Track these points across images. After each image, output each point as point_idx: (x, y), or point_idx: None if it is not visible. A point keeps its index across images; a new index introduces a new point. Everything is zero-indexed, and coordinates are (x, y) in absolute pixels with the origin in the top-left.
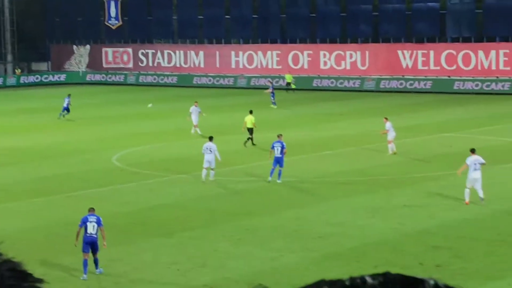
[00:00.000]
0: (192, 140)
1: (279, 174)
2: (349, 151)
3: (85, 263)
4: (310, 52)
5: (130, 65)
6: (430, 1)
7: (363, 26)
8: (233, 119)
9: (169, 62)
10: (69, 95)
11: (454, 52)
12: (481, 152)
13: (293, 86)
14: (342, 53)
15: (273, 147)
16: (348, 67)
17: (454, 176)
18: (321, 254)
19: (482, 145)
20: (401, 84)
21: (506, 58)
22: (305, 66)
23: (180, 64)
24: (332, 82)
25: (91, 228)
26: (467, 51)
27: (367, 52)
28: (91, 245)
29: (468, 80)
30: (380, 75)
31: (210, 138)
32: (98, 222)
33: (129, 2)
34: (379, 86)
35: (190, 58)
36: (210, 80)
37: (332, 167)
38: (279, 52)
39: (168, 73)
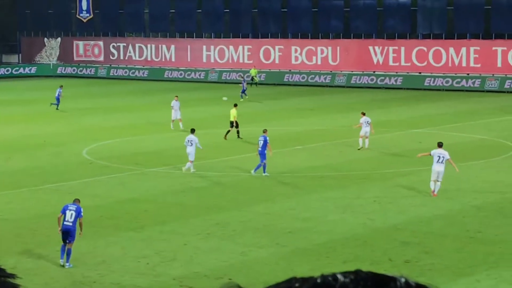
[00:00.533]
0: (163, 134)
1: (257, 167)
2: (319, 146)
3: (62, 249)
4: (282, 47)
5: (101, 58)
6: None
7: (334, 22)
8: (204, 113)
9: (140, 56)
10: (61, 86)
11: (425, 49)
12: (450, 148)
13: (255, 80)
14: (313, 48)
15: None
16: (319, 63)
17: (424, 172)
18: (291, 249)
19: (452, 142)
20: (372, 80)
21: (476, 55)
22: (277, 61)
23: (151, 57)
24: (303, 77)
25: (69, 216)
26: (438, 48)
27: (338, 48)
28: (65, 233)
29: (438, 77)
30: (351, 71)
31: (192, 131)
32: (78, 212)
33: None
34: (350, 81)
35: (162, 52)
36: (181, 74)
37: (303, 162)
38: (250, 46)
39: (139, 66)
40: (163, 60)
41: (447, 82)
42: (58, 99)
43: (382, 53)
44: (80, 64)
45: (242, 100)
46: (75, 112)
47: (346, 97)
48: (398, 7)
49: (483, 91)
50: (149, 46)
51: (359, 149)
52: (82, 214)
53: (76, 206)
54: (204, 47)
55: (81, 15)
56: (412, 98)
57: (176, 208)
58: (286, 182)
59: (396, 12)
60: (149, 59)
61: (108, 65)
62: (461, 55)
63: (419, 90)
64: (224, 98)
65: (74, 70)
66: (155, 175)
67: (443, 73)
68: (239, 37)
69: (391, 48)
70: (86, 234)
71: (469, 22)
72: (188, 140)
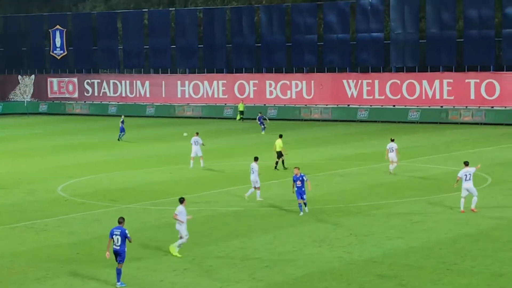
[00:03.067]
0: (137, 170)
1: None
2: None
3: (117, 273)
4: (256, 81)
5: (76, 95)
6: (374, 31)
7: (308, 56)
8: (179, 148)
9: (115, 92)
10: (122, 117)
11: (399, 82)
12: (425, 181)
13: (238, 117)
14: (287, 82)
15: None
16: (294, 97)
17: (399, 205)
18: (267, 283)
19: (427, 174)
20: (346, 113)
21: (449, 88)
22: (251, 96)
23: (126, 93)
24: (278, 111)
25: (116, 240)
26: (411, 80)
27: (312, 82)
28: (115, 255)
29: (412, 109)
30: (326, 104)
31: (255, 159)
32: (123, 236)
33: (74, 32)
34: (324, 115)
35: (136, 87)
36: (156, 110)
37: (279, 196)
38: (225, 81)
39: (114, 102)
40: (138, 96)
41: (421, 114)
42: (123, 129)
43: (356, 87)
44: (55, 101)
45: (263, 133)
46: (49, 149)
47: (321, 131)
48: (371, 41)
49: (457, 123)
50: (123, 82)
51: (390, 173)
52: (128, 235)
53: (120, 230)
54: (179, 82)
55: (54, 52)
56: (386, 131)
57: (151, 244)
58: (262, 216)
59: (370, 45)
60: (123, 95)
61: (83, 102)
62: (435, 88)
63: (392, 123)
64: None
65: (48, 107)
66: (130, 211)
67: (417, 106)
68: (213, 72)
69: (365, 82)
70: (63, 272)
71: (442, 55)
72: (251, 168)
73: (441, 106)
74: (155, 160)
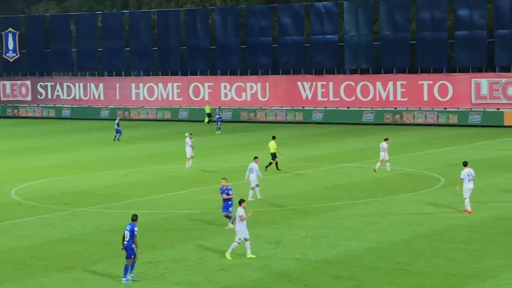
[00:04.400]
0: (91, 173)
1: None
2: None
3: (125, 269)
4: (211, 84)
5: (29, 98)
6: (329, 33)
7: (263, 58)
8: (133, 151)
9: (68, 95)
10: (118, 117)
11: (353, 84)
12: (379, 181)
13: (206, 119)
14: (242, 84)
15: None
16: (249, 99)
17: (354, 206)
18: (223, 286)
19: (381, 175)
20: (301, 115)
21: (403, 90)
22: (206, 98)
23: (79, 96)
24: (233, 114)
25: (126, 235)
26: (365, 82)
27: (267, 84)
28: (126, 250)
29: (366, 111)
30: (281, 106)
31: (254, 159)
32: (131, 231)
33: (27, 35)
34: (279, 117)
35: (90, 90)
36: (110, 112)
37: (235, 198)
38: (179, 84)
39: (67, 105)
40: (92, 98)
41: (375, 116)
42: (118, 131)
43: (310, 89)
44: (7, 104)
45: (218, 132)
46: (2, 153)
47: (276, 133)
48: (326, 43)
49: (410, 124)
50: (77, 85)
51: (375, 171)
52: (135, 232)
53: (130, 226)
54: (133, 85)
55: (7, 55)
56: (341, 133)
57: (107, 248)
58: (218, 219)
59: (324, 48)
60: (77, 98)
61: (36, 105)
62: (388, 89)
63: (348, 124)
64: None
65: (1, 110)
66: (84, 215)
67: (371, 107)
68: (168, 75)
69: (319, 84)
70: (16, 276)
71: (395, 57)
72: (250, 168)
73: (395, 108)
74: (110, 163)
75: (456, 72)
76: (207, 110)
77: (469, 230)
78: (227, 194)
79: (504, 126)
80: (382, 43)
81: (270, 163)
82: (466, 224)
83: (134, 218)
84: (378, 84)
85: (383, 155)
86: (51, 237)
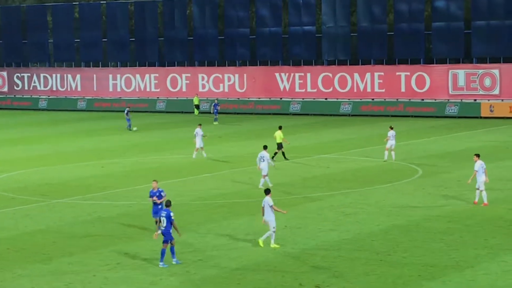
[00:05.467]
0: (68, 164)
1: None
2: (227, 173)
3: (161, 252)
4: (188, 75)
5: (5, 89)
6: (306, 24)
7: (240, 49)
8: (111, 142)
9: (45, 86)
10: (128, 107)
11: (331, 75)
12: (357, 172)
13: (195, 112)
14: (220, 76)
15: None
16: (226, 90)
17: (332, 197)
18: (201, 277)
19: (359, 166)
20: (279, 106)
21: (380, 81)
22: (184, 89)
23: (56, 87)
24: (210, 105)
25: (163, 222)
26: (343, 73)
27: (245, 75)
28: (163, 235)
29: (344, 102)
30: (259, 98)
31: (264, 147)
32: (168, 217)
33: (3, 25)
34: (257, 108)
35: (67, 81)
36: (87, 103)
37: (212, 189)
38: (157, 75)
39: (44, 96)
40: (69, 89)
41: (353, 107)
42: (128, 120)
43: (288, 80)
44: None
45: (216, 123)
46: None
47: (254, 124)
48: (303, 34)
49: (388, 115)
50: (54, 75)
51: (384, 161)
52: (173, 217)
53: (166, 212)
54: (110, 76)
55: None
56: (319, 124)
57: (84, 239)
58: (195, 210)
59: (301, 39)
60: (54, 89)
61: (12, 96)
62: (366, 81)
63: (326, 115)
64: (135, 128)
65: None
66: (62, 206)
67: (349, 99)
68: (145, 66)
69: (297, 75)
70: None
71: (373, 48)
72: (261, 157)
73: (372, 99)
74: (87, 154)
75: (433, 64)
76: (196, 102)
77: (447, 220)
78: (159, 197)
79: (481, 117)
80: (359, 34)
81: (276, 153)
82: (443, 215)
83: (168, 204)
84: (356, 75)
85: (392, 143)
86: (28, 228)
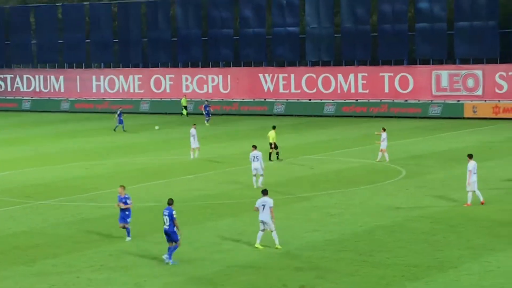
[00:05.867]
0: (52, 166)
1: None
2: (212, 174)
3: (168, 249)
4: (172, 76)
5: None
6: (290, 25)
7: (224, 50)
8: (94, 143)
9: (28, 87)
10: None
11: (314, 76)
12: (341, 173)
13: (184, 112)
14: (204, 77)
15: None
16: (210, 91)
17: (317, 197)
18: (186, 278)
19: (343, 167)
20: (263, 107)
21: (364, 81)
22: (168, 90)
23: (40, 88)
24: (194, 106)
25: (165, 220)
26: (326, 74)
27: (229, 76)
28: (166, 235)
29: (328, 103)
30: (243, 99)
31: (254, 147)
32: (170, 216)
33: None
34: (241, 109)
35: (50, 82)
36: (70, 105)
37: (196, 191)
38: (140, 76)
39: (27, 97)
40: (52, 91)
41: (336, 108)
42: (121, 121)
43: (272, 81)
44: None
45: (208, 124)
46: None
47: (238, 125)
48: (287, 35)
49: (371, 116)
50: (37, 77)
51: (380, 161)
52: (174, 216)
53: (168, 210)
54: (94, 77)
55: None
56: (302, 125)
57: (68, 241)
58: (179, 211)
59: (285, 40)
60: (37, 90)
61: None
62: (350, 82)
63: (310, 116)
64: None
65: None
66: (46, 208)
67: (332, 99)
68: (129, 67)
69: (281, 76)
70: None
71: (357, 49)
72: (254, 156)
73: (356, 100)
74: (71, 156)
75: (416, 64)
76: (183, 103)
77: (430, 221)
78: (125, 203)
79: (464, 118)
80: (343, 35)
81: (271, 152)
82: (427, 215)
83: (170, 202)
84: (340, 76)
85: (384, 144)
86: (12, 230)
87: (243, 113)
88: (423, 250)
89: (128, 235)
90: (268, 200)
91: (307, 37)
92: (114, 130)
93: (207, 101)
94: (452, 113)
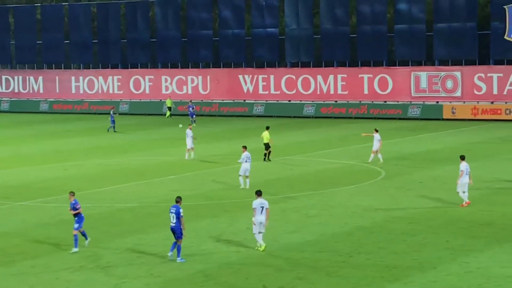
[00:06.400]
0: (31, 166)
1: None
2: (192, 175)
3: (172, 244)
4: (152, 77)
5: None
6: (269, 27)
7: (204, 51)
8: (73, 144)
9: (7, 88)
10: (112, 108)
11: (294, 77)
12: (321, 174)
13: (167, 113)
14: (183, 78)
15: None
16: (190, 92)
17: (296, 199)
18: (165, 279)
19: (322, 168)
20: (242, 108)
21: (343, 83)
22: (147, 91)
23: (18, 89)
24: (174, 107)
25: (171, 218)
26: (306, 75)
27: (208, 77)
28: (172, 232)
29: (307, 104)
30: (222, 100)
31: (245, 148)
32: (177, 213)
33: None
34: (221, 110)
35: (29, 83)
36: (49, 106)
37: (175, 191)
38: (120, 77)
39: (6, 98)
40: (31, 91)
41: (316, 109)
42: (113, 122)
43: (252, 82)
44: None
45: (194, 125)
46: None
47: (217, 126)
48: (267, 36)
49: (351, 117)
50: (16, 77)
51: (368, 162)
52: (181, 214)
53: (175, 208)
54: (73, 78)
55: None
56: (282, 126)
57: (47, 242)
58: (159, 212)
59: (265, 41)
60: (16, 91)
61: None
62: (329, 83)
63: (289, 117)
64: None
65: None
66: (24, 209)
67: (312, 101)
68: (108, 68)
69: (260, 77)
70: None
71: (336, 50)
72: (247, 157)
73: (336, 101)
74: (49, 157)
75: (395, 66)
76: (168, 104)
77: (409, 222)
78: (73, 209)
79: (443, 119)
80: (322, 36)
81: (265, 154)
82: (406, 216)
83: (178, 200)
84: (319, 77)
85: (379, 146)
86: None
87: (222, 114)
88: (402, 250)
89: (75, 246)
90: (265, 202)
91: (287, 38)
92: (107, 130)
93: (190, 101)
94: (431, 114)
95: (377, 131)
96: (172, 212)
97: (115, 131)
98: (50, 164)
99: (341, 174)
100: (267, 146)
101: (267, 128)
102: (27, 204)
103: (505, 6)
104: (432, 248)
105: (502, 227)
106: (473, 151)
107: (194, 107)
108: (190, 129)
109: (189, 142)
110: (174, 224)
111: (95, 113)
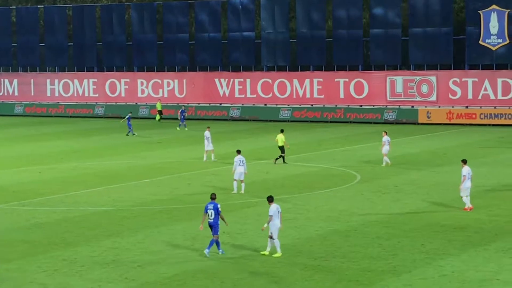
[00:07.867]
0: (5, 169)
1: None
2: (167, 179)
3: (210, 243)
4: (127, 80)
5: None
6: (246, 30)
7: (180, 55)
8: (48, 148)
9: None
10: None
11: (270, 81)
12: (296, 178)
13: (157, 117)
14: (159, 81)
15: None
16: (166, 95)
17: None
18: (140, 283)
19: (298, 172)
20: (218, 111)
21: (319, 87)
22: (123, 94)
23: None
24: (149, 110)
25: (210, 214)
26: (282, 79)
27: (184, 80)
28: (211, 227)
29: (283, 108)
30: (198, 103)
31: (239, 152)
32: (216, 209)
33: None
34: (197, 113)
35: (4, 86)
36: (24, 109)
37: (151, 195)
38: (95, 80)
39: None
40: (6, 94)
41: (292, 113)
42: (130, 126)
43: (228, 85)
44: None
45: (179, 129)
46: None
47: (193, 129)
48: (243, 40)
49: (326, 121)
50: None
51: (388, 165)
52: (220, 209)
53: (213, 204)
54: (48, 81)
55: None
56: (258, 129)
57: (22, 245)
58: (134, 216)
59: (241, 44)
60: None
61: None
62: (305, 87)
63: (265, 121)
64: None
65: None
66: None
67: (288, 104)
68: (84, 71)
69: (236, 80)
70: None
71: (312, 54)
72: (240, 161)
73: (311, 105)
74: (24, 160)
75: (371, 70)
76: (158, 107)
77: (384, 226)
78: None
79: (418, 123)
80: (298, 40)
81: (280, 157)
82: (381, 220)
83: (214, 197)
84: (295, 81)
85: (387, 148)
86: None
87: (199, 117)
88: (377, 254)
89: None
90: (278, 206)
91: (263, 42)
92: (127, 135)
93: (183, 106)
94: (407, 119)
95: (386, 133)
96: (210, 209)
97: (134, 134)
98: (25, 168)
99: (317, 178)
100: (282, 149)
101: (282, 131)
102: (2, 207)
103: (480, 11)
104: (407, 252)
105: (476, 230)
106: (449, 155)
107: (185, 111)
108: (209, 130)
109: (207, 144)
110: (212, 220)
111: (70, 116)
